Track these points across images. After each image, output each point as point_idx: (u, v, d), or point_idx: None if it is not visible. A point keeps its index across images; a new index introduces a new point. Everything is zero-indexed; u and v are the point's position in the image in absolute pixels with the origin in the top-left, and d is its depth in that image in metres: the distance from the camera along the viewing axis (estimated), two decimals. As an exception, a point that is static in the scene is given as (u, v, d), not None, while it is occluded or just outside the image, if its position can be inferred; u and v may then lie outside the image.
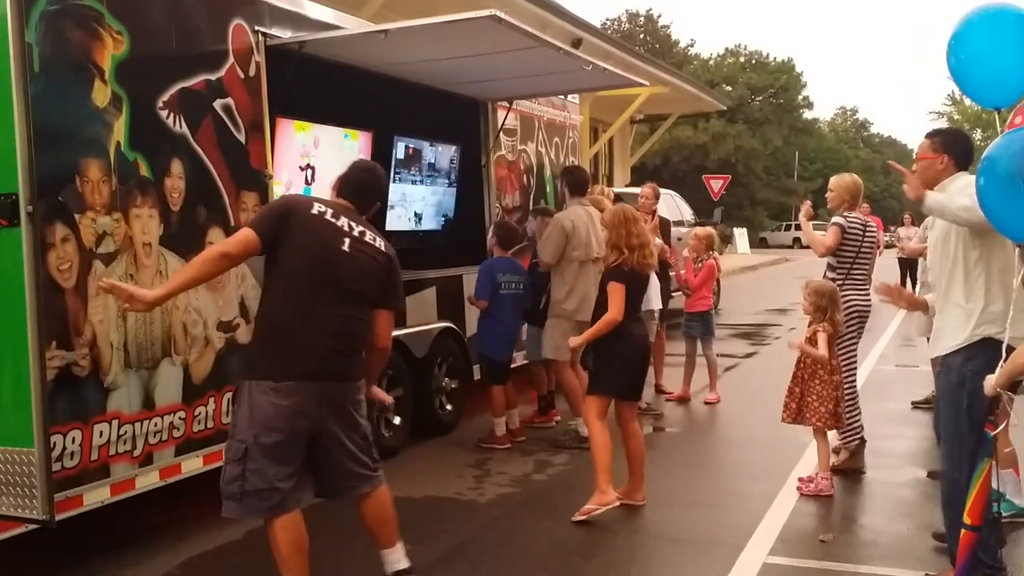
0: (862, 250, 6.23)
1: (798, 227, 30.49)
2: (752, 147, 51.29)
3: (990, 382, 3.66)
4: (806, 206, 6.90)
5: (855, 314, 6.19)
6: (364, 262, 3.92)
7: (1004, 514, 4.49)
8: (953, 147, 4.32)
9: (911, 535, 5.01)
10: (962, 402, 3.99)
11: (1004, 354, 3.73)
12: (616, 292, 5.34)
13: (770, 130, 53.86)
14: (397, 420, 6.79)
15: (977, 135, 37.60)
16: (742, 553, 4.75)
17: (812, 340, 5.87)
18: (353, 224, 3.96)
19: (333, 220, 3.91)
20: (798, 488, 5.77)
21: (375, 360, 4.18)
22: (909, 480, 6.09)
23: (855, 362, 6.35)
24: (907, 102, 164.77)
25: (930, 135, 4.45)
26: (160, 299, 3.82)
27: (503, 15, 5.60)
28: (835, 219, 6.28)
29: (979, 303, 4.04)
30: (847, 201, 6.28)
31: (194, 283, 3.99)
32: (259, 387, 3.76)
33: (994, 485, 4.53)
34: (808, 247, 6.83)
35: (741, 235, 39.24)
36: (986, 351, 3.93)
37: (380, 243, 4.03)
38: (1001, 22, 3.87)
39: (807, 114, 61.93)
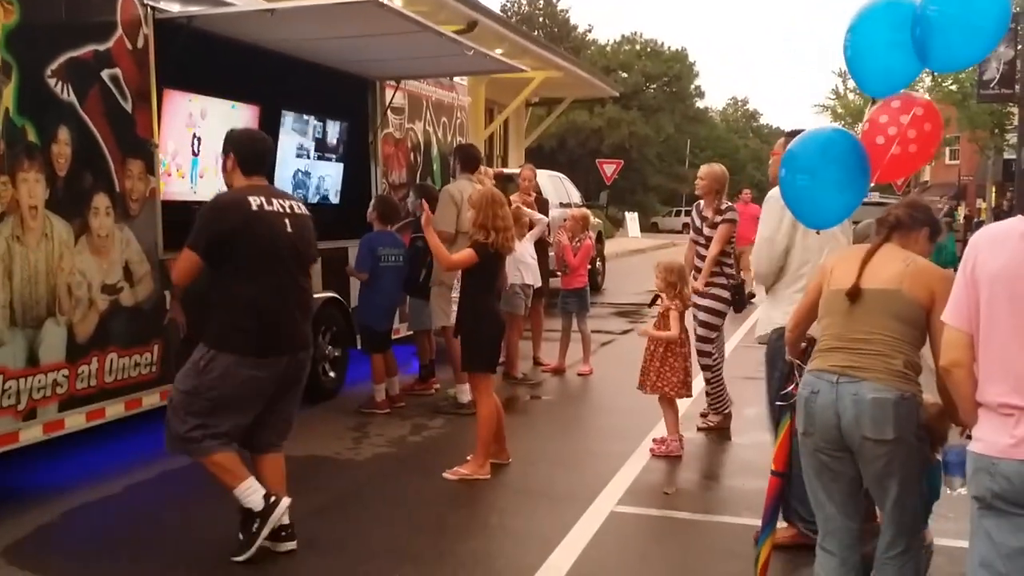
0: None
1: (687, 213, 31.23)
2: (645, 134, 52.50)
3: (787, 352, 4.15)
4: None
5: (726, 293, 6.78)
6: (304, 233, 4.35)
7: None
8: None
9: (746, 489, 5.55)
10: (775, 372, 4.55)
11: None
12: (465, 256, 5.66)
13: (663, 118, 55.16)
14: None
15: (858, 129, 39.33)
16: (593, 503, 5.23)
17: (665, 318, 6.33)
18: (283, 202, 4.32)
19: (271, 208, 4.24)
20: (651, 449, 6.28)
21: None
22: (756, 443, 6.67)
23: (722, 338, 6.96)
24: (793, 95, 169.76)
25: (787, 134, 4.96)
26: None
27: (384, 0, 5.90)
28: (726, 216, 6.71)
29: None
30: (716, 190, 6.80)
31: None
32: (243, 362, 4.17)
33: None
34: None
35: (632, 219, 40.14)
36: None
37: (301, 207, 4.43)
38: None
39: (699, 103, 63.58)
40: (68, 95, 5.10)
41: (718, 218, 6.74)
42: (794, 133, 5.32)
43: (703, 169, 7.02)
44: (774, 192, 4.74)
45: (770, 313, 4.72)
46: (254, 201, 4.20)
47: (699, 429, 6.88)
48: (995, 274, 2.58)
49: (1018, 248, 2.57)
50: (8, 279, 4.72)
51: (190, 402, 4.21)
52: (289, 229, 4.27)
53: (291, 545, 4.41)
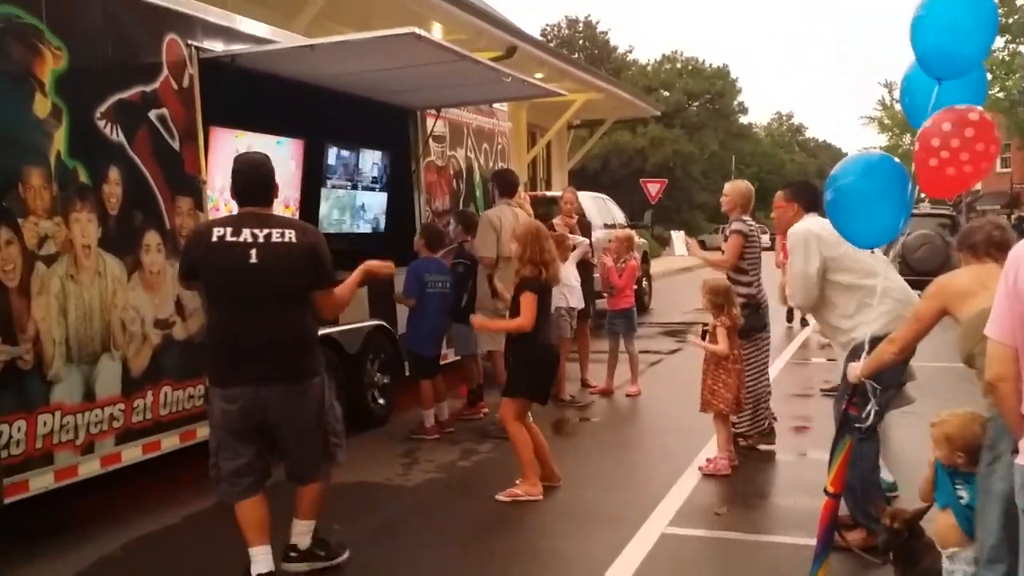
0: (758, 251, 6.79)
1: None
2: (689, 151, 52.31)
3: (854, 370, 4.13)
4: (687, 243, 7.48)
5: (765, 309, 6.71)
6: (281, 263, 4.12)
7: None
8: (801, 196, 5.49)
9: (798, 508, 5.49)
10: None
11: (868, 347, 4.24)
12: (529, 302, 5.71)
13: (707, 135, 54.94)
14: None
15: (907, 140, 38.82)
16: (643, 525, 5.21)
17: (713, 336, 6.33)
18: (257, 231, 4.13)
19: (234, 238, 4.11)
20: (700, 468, 6.24)
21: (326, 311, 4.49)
22: (806, 461, 6.60)
23: (768, 355, 6.89)
24: (841, 107, 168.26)
25: (784, 187, 5.66)
26: None
27: (422, 32, 6.00)
28: (733, 227, 6.70)
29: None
30: (740, 206, 6.77)
31: None
32: (213, 392, 4.25)
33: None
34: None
35: (678, 237, 39.76)
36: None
37: (291, 234, 4.16)
38: None
39: (743, 119, 63.23)
40: (117, 136, 5.26)
41: (728, 230, 6.77)
42: (796, 184, 5.65)
43: (727, 186, 7.00)
44: (796, 227, 5.09)
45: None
46: (217, 232, 4.14)
47: (740, 447, 6.81)
48: None
49: None
50: (63, 317, 4.85)
51: (210, 438, 4.36)
52: (253, 260, 4.08)
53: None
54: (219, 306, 4.23)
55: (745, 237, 6.64)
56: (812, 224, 5.05)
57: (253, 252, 4.10)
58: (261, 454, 4.32)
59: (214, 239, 4.14)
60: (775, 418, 6.91)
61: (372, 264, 4.60)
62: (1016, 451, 2.65)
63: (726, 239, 6.80)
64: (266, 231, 4.15)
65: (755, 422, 6.76)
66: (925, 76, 4.05)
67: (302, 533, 4.50)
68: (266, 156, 4.43)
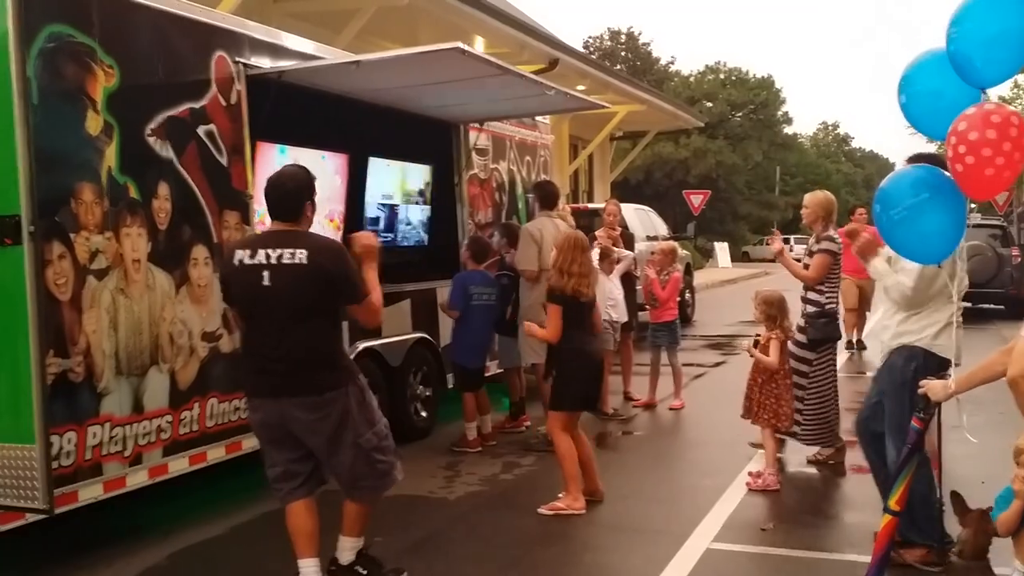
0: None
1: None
2: (733, 162, 51.92)
3: (935, 388, 3.97)
4: (777, 242, 6.91)
5: (837, 319, 6.64)
6: (289, 284, 4.16)
7: None
8: None
9: (847, 524, 5.41)
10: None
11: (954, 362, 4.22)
12: (554, 313, 5.72)
13: (750, 145, 54.51)
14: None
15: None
16: (688, 540, 5.17)
17: (765, 348, 6.27)
18: (271, 252, 4.18)
19: (251, 261, 4.20)
20: (747, 483, 6.18)
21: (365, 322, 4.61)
22: (854, 476, 6.50)
23: (835, 368, 6.80)
24: (888, 116, 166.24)
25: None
26: None
27: (466, 47, 6.04)
28: (822, 245, 6.49)
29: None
30: (822, 218, 6.57)
31: None
32: (248, 403, 4.44)
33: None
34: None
35: (722, 249, 39.72)
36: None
37: (302, 255, 4.16)
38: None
39: (787, 129, 62.69)
40: (167, 152, 5.34)
41: (816, 246, 6.57)
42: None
43: (807, 197, 6.78)
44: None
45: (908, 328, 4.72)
46: (238, 255, 4.25)
47: (809, 462, 6.72)
48: None
49: None
50: (114, 330, 4.93)
51: None
52: (266, 282, 4.16)
53: None
54: (245, 322, 4.43)
55: (834, 256, 6.49)
56: None
57: (266, 274, 4.17)
58: (301, 459, 4.37)
59: (236, 263, 4.27)
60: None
61: (358, 235, 4.70)
62: None
63: (810, 254, 6.62)
64: (279, 252, 4.17)
65: (822, 435, 6.64)
66: (926, 76, 4.22)
67: (346, 549, 4.51)
68: (299, 170, 4.45)
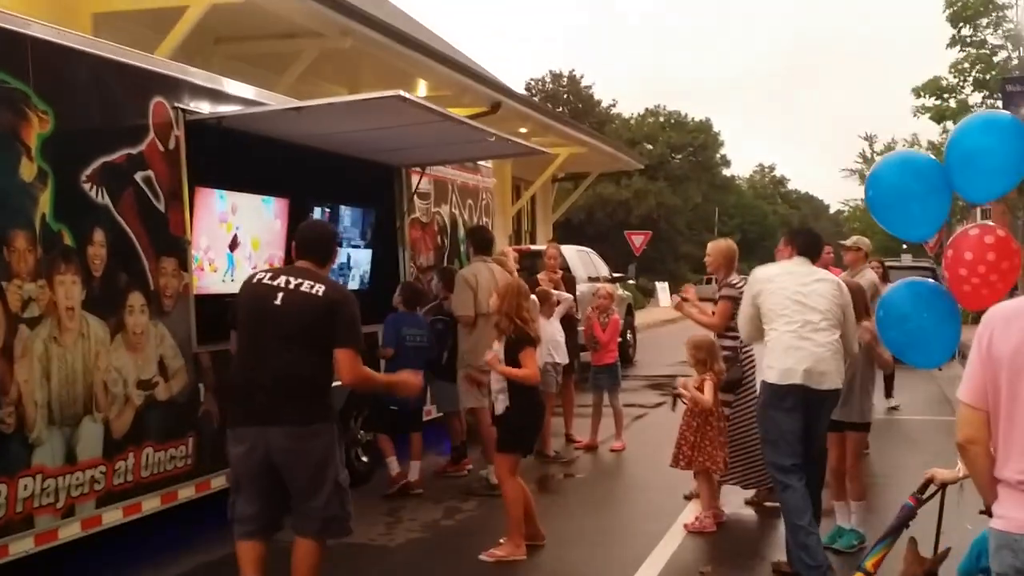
0: None
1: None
2: (673, 203, 52.70)
3: (940, 473, 4.10)
4: (674, 298, 7.14)
5: (748, 362, 6.72)
6: (299, 308, 4.31)
7: (844, 549, 5.53)
8: (796, 240, 5.61)
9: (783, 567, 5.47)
10: None
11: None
12: (530, 355, 5.73)
13: (690, 187, 55.41)
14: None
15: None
16: (628, 585, 5.19)
17: (700, 388, 6.36)
18: (291, 279, 4.40)
19: (269, 281, 4.42)
20: (686, 525, 6.23)
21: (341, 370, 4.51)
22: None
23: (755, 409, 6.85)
24: (822, 161, 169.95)
25: (786, 233, 6.04)
26: None
27: (407, 95, 6.10)
28: (723, 292, 6.69)
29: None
30: (723, 265, 6.79)
31: None
32: (230, 435, 4.44)
33: (839, 521, 5.28)
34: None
35: (663, 289, 39.98)
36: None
37: (318, 289, 4.35)
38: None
39: (725, 171, 63.85)
40: (102, 198, 5.28)
41: (718, 294, 6.78)
42: (794, 232, 5.82)
43: (710, 246, 7.01)
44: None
45: None
46: (259, 275, 4.54)
47: (747, 503, 6.79)
48: (1013, 352, 2.60)
49: None
50: (47, 379, 4.83)
51: (230, 477, 4.50)
52: (278, 302, 4.33)
53: None
54: (241, 341, 4.49)
55: (734, 302, 6.58)
56: None
57: (280, 296, 4.34)
58: (273, 505, 4.41)
59: (255, 281, 4.49)
60: None
61: (407, 377, 5.03)
62: (989, 514, 2.68)
63: (715, 302, 6.78)
64: (299, 281, 4.39)
65: (748, 475, 6.69)
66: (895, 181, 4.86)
67: None
68: (331, 224, 4.80)
